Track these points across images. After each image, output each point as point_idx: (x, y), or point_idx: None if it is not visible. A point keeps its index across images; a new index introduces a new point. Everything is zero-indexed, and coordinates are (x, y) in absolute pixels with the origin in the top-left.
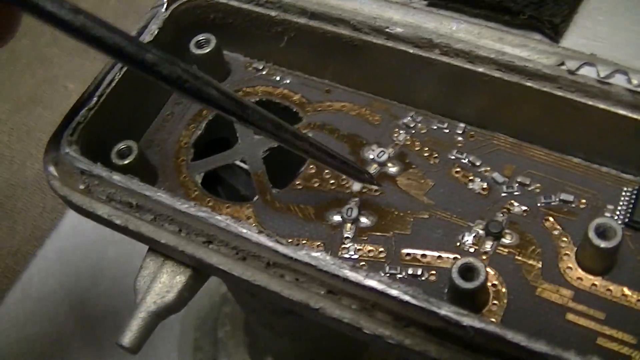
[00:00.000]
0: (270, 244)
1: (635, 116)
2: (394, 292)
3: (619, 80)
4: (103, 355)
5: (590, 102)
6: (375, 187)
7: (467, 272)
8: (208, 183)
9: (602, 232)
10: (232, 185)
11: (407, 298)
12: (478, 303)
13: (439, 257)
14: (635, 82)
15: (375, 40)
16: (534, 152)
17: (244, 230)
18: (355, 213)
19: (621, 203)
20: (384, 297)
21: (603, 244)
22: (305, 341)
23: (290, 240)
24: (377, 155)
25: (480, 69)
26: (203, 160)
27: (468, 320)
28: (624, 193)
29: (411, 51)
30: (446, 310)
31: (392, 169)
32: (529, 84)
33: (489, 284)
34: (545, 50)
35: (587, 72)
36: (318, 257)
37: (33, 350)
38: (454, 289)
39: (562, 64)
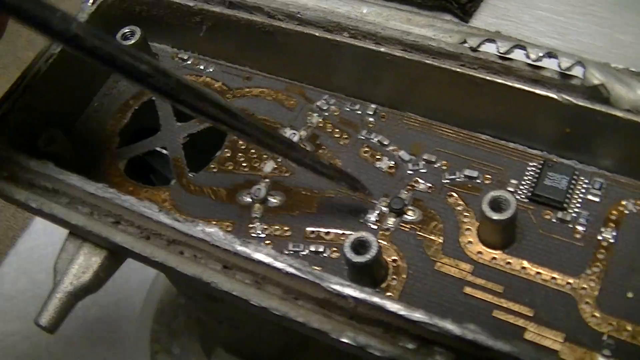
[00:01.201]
0: (168, 221)
1: (535, 90)
2: (279, 265)
3: (518, 55)
4: (74, 351)
5: (491, 78)
6: (367, 194)
7: (360, 246)
8: (141, 171)
9: (497, 205)
10: (159, 171)
11: (291, 270)
12: (376, 277)
13: (342, 234)
14: (533, 56)
15: (286, 25)
16: (442, 131)
17: (145, 210)
18: (263, 193)
19: (525, 178)
20: (272, 270)
21: (496, 216)
22: (244, 329)
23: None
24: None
25: (383, 49)
26: (127, 147)
27: (349, 290)
28: (529, 168)
29: (319, 35)
30: (328, 282)
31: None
32: (430, 61)
33: (389, 259)
34: (451, 29)
35: (489, 49)
36: (212, 232)
37: (4, 348)
38: (348, 264)
39: (465, 41)
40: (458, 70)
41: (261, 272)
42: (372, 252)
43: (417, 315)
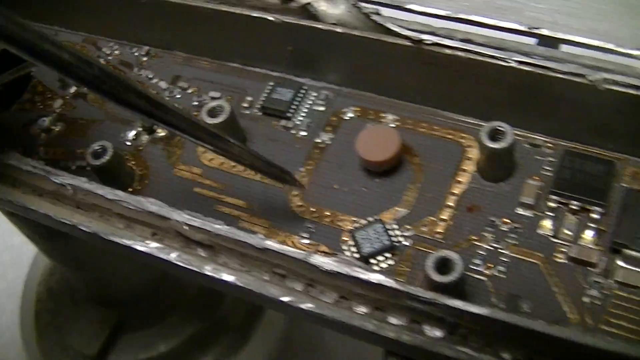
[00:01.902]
0: None
1: (256, 14)
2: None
3: None
4: None
5: (226, 9)
6: (298, 186)
7: (97, 156)
8: None
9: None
10: None
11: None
12: (123, 182)
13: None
14: None
15: None
16: (200, 63)
17: None
18: (47, 124)
19: (262, 95)
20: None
21: (211, 121)
22: (90, 270)
23: None
24: None
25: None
26: None
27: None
28: (267, 88)
29: None
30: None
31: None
32: (182, 1)
33: (138, 170)
34: None
35: None
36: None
37: None
38: (93, 170)
39: None
40: (200, 5)
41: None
42: (105, 158)
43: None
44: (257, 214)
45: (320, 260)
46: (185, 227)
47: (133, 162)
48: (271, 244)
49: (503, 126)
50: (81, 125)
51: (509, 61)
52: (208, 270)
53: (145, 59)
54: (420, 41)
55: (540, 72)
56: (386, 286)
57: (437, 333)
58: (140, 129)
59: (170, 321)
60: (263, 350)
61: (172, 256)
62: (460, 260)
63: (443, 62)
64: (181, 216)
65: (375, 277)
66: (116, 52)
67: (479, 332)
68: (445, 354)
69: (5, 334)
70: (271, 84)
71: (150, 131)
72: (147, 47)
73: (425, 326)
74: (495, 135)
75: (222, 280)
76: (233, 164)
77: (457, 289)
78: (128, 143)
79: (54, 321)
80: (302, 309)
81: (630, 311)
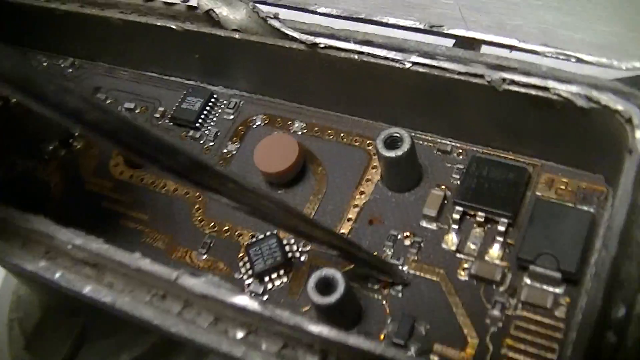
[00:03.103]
0: None
1: (160, 24)
2: None
3: None
4: None
5: (137, 20)
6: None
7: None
8: None
9: None
10: None
11: None
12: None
13: None
14: None
15: None
16: (120, 73)
17: None
18: None
19: (175, 105)
20: None
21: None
22: None
23: None
24: None
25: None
26: None
27: None
28: (180, 96)
29: None
30: None
31: None
32: (95, 12)
33: (52, 184)
34: None
35: None
36: None
37: None
38: None
39: None
40: (110, 16)
41: None
42: None
43: None
44: (160, 228)
45: (190, 282)
46: (69, 246)
47: (48, 176)
48: (144, 263)
49: (400, 132)
50: None
51: (405, 63)
52: (88, 291)
53: (70, 70)
54: (315, 44)
55: (436, 73)
56: (250, 310)
57: None
58: (57, 143)
59: (133, 330)
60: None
61: (56, 276)
62: (342, 279)
63: (339, 65)
64: (66, 235)
65: (240, 300)
66: (44, 64)
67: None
68: None
69: None
70: (184, 92)
71: (66, 144)
72: (72, 59)
73: (299, 353)
74: (392, 142)
75: (101, 301)
76: (142, 177)
77: (344, 311)
78: (46, 156)
79: (23, 330)
80: (172, 332)
81: (534, 334)
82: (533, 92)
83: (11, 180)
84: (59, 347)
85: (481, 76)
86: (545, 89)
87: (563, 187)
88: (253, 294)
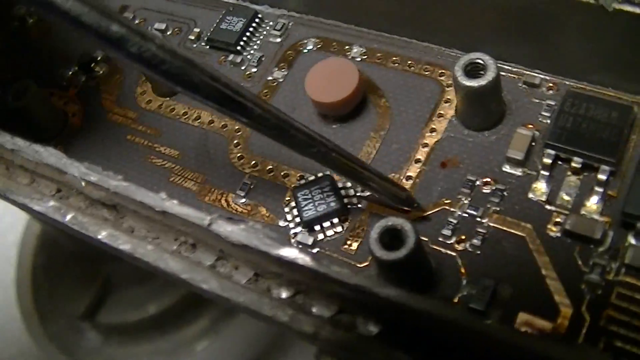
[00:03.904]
0: None
1: None
2: None
3: None
4: None
5: None
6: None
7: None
8: None
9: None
10: None
11: None
12: (46, 128)
13: None
14: None
15: None
16: None
17: None
18: None
19: (212, 26)
20: None
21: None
22: None
23: None
24: None
25: None
26: None
27: None
28: (220, 16)
29: None
30: None
31: None
32: None
33: (70, 114)
34: None
35: None
36: None
37: None
38: None
39: None
40: None
41: None
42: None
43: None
44: (191, 166)
45: (226, 229)
46: (83, 184)
47: (66, 105)
48: (170, 205)
49: (483, 58)
50: None
51: None
52: (103, 236)
53: None
54: None
55: None
56: (301, 265)
57: (372, 329)
58: (76, 68)
59: (161, 280)
60: None
61: (68, 218)
62: (412, 231)
63: None
64: (79, 170)
65: (288, 252)
66: None
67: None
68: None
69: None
70: (223, 12)
71: (87, 70)
72: None
73: (360, 320)
74: (473, 70)
75: (118, 249)
76: (172, 107)
77: (412, 269)
78: (64, 83)
79: (47, 277)
80: (204, 289)
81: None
82: None
83: (23, 108)
84: (83, 295)
85: None
86: None
87: None
88: (301, 246)
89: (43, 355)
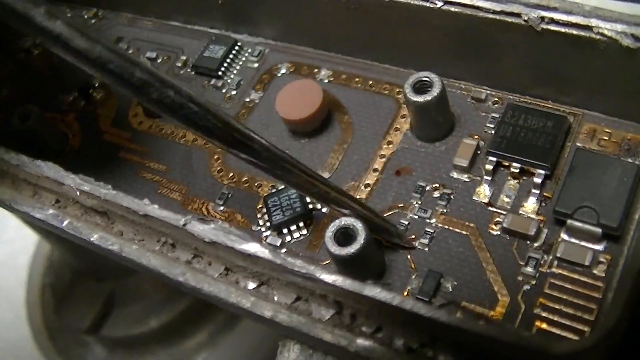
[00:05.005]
0: None
1: None
2: None
3: None
4: None
5: None
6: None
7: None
8: None
9: None
10: None
11: None
12: (50, 148)
13: None
14: None
15: None
16: (143, 23)
17: None
18: None
19: (197, 54)
20: None
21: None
22: None
23: None
24: None
25: None
26: None
27: None
28: (204, 45)
29: None
30: None
31: None
32: None
33: (70, 134)
34: None
35: None
36: None
37: None
38: None
39: None
40: None
41: None
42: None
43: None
44: (177, 179)
45: (199, 228)
46: (77, 193)
47: (66, 127)
48: (152, 209)
49: (429, 76)
50: None
51: (436, 2)
52: (95, 238)
53: (93, 21)
54: None
55: (469, 12)
56: (260, 257)
57: (324, 313)
58: (76, 94)
59: (162, 296)
60: (257, 327)
61: (64, 223)
62: (363, 229)
63: (366, 6)
64: (74, 181)
65: (250, 247)
66: (68, 15)
67: (367, 312)
68: (325, 338)
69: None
70: (207, 41)
71: (86, 95)
72: (94, 10)
73: (313, 306)
74: (422, 87)
75: (108, 249)
76: (161, 127)
77: (364, 264)
78: (64, 108)
79: (54, 295)
80: (180, 281)
81: (570, 293)
82: (575, 31)
83: (28, 130)
84: (88, 311)
85: (518, 15)
86: (588, 27)
87: (606, 137)
88: (271, 247)
89: None
